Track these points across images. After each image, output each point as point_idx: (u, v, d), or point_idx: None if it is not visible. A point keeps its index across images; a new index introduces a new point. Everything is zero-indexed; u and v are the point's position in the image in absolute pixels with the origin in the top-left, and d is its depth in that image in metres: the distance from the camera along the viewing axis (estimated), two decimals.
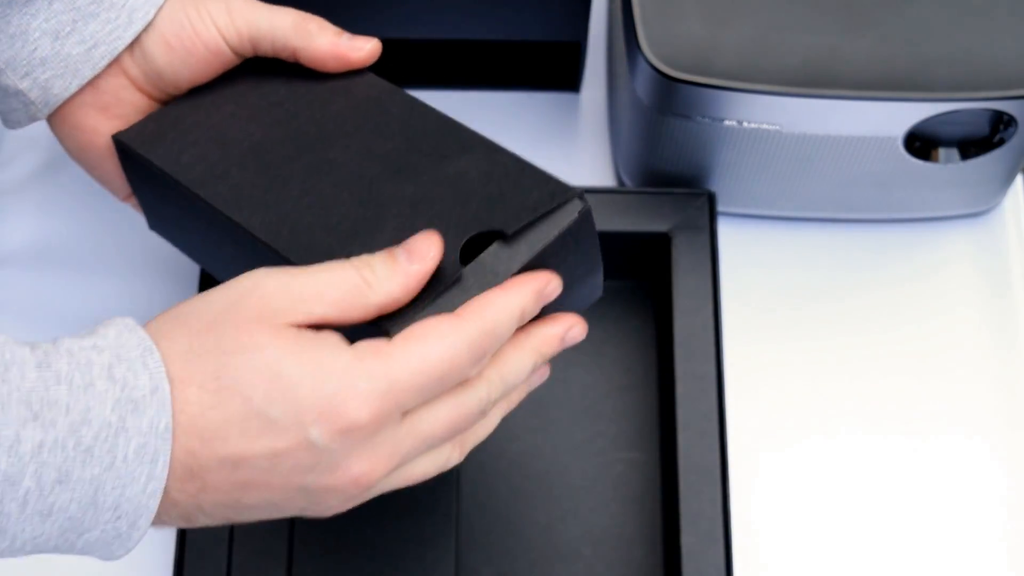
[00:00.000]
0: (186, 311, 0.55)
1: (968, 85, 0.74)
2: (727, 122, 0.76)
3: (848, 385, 0.82)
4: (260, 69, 0.69)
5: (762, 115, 0.76)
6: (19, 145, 0.88)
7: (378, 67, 0.89)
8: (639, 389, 0.81)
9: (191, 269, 0.83)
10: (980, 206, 0.85)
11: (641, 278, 0.83)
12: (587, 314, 0.83)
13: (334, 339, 0.55)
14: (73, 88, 0.66)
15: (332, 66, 0.68)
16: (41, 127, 0.88)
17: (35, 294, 0.84)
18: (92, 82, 0.67)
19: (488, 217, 0.60)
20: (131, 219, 0.86)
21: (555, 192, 0.60)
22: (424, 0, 0.82)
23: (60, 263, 0.85)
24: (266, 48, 0.68)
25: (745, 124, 0.76)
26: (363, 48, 0.68)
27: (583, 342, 0.82)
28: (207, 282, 0.78)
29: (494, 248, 0.59)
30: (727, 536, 0.72)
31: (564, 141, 0.89)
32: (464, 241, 0.59)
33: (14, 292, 0.84)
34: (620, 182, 0.86)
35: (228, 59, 0.68)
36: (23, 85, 0.65)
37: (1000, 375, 0.82)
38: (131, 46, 0.66)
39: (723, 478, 0.73)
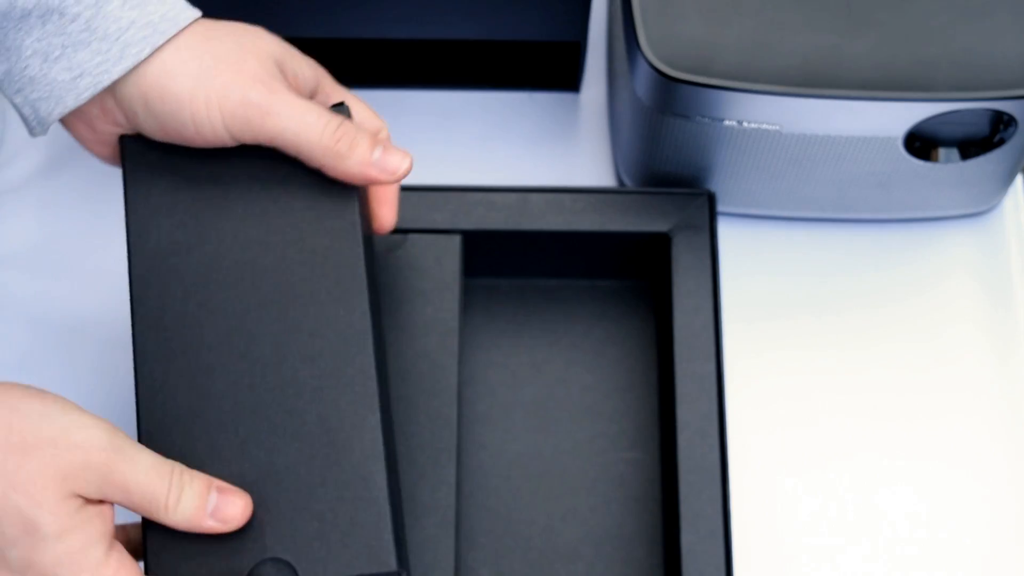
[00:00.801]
0: (7, 415, 0.58)
1: (968, 85, 0.74)
2: (727, 122, 0.76)
3: (848, 385, 0.82)
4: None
5: (762, 115, 0.76)
6: (19, 145, 0.88)
7: (378, 69, 0.89)
8: (639, 389, 0.81)
9: None
10: (980, 206, 0.85)
11: (641, 278, 0.83)
12: (588, 314, 0.83)
13: (99, 530, 0.58)
14: (57, 115, 0.64)
15: (359, 184, 0.64)
16: None
17: (35, 294, 0.84)
18: (86, 120, 0.65)
19: (308, 546, 0.59)
20: None
21: (378, 562, 0.59)
22: (425, 0, 0.82)
23: (60, 263, 0.85)
24: (288, 151, 0.64)
25: (745, 124, 0.76)
26: (395, 172, 0.64)
27: (583, 341, 0.82)
28: None
29: (283, 568, 0.60)
30: (727, 536, 0.72)
31: (564, 141, 0.89)
32: (266, 561, 0.59)
33: (14, 292, 0.84)
34: (620, 182, 0.86)
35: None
36: (16, 100, 0.64)
37: (1000, 374, 0.82)
38: (125, 112, 0.64)
39: (723, 478, 0.73)
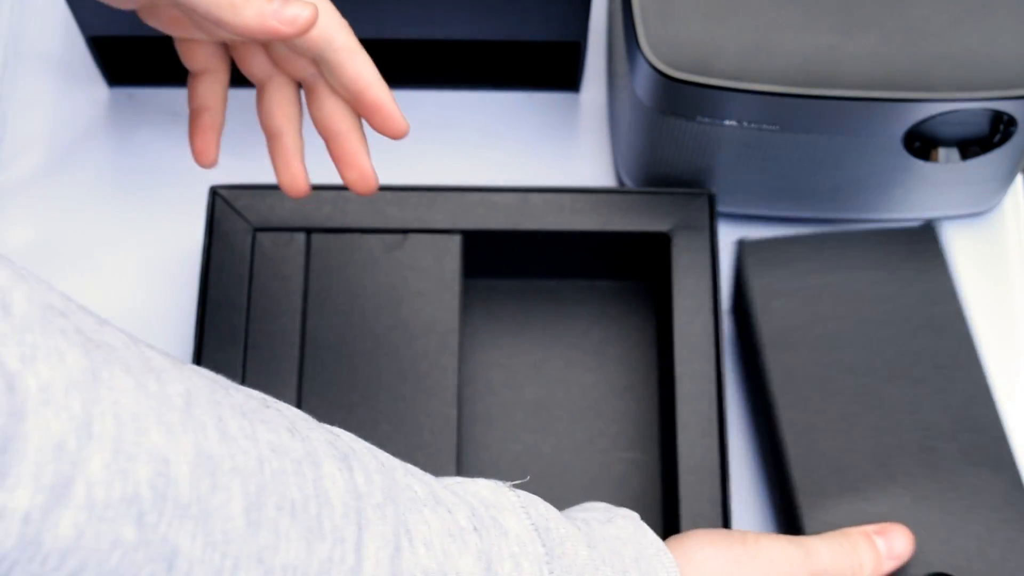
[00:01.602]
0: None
1: (968, 85, 0.74)
2: (727, 122, 0.76)
3: None
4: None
5: (762, 115, 0.76)
6: (19, 145, 0.88)
7: (377, 68, 0.89)
8: (639, 389, 0.81)
9: (191, 269, 0.83)
10: (980, 206, 0.85)
11: (641, 278, 0.83)
12: (588, 314, 0.83)
13: None
14: None
15: (260, 39, 0.62)
16: (40, 127, 0.88)
17: None
18: None
19: (969, 561, 0.69)
20: (131, 218, 0.86)
21: None
22: (424, 0, 0.82)
23: (60, 263, 0.85)
24: (183, 6, 0.60)
25: (745, 124, 0.76)
26: (294, 21, 0.61)
27: (583, 341, 0.82)
28: (207, 281, 0.77)
29: None
30: None
31: (564, 141, 0.89)
32: None
33: None
34: (620, 182, 0.86)
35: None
36: None
37: (1000, 374, 0.82)
38: None
39: (723, 478, 0.73)
